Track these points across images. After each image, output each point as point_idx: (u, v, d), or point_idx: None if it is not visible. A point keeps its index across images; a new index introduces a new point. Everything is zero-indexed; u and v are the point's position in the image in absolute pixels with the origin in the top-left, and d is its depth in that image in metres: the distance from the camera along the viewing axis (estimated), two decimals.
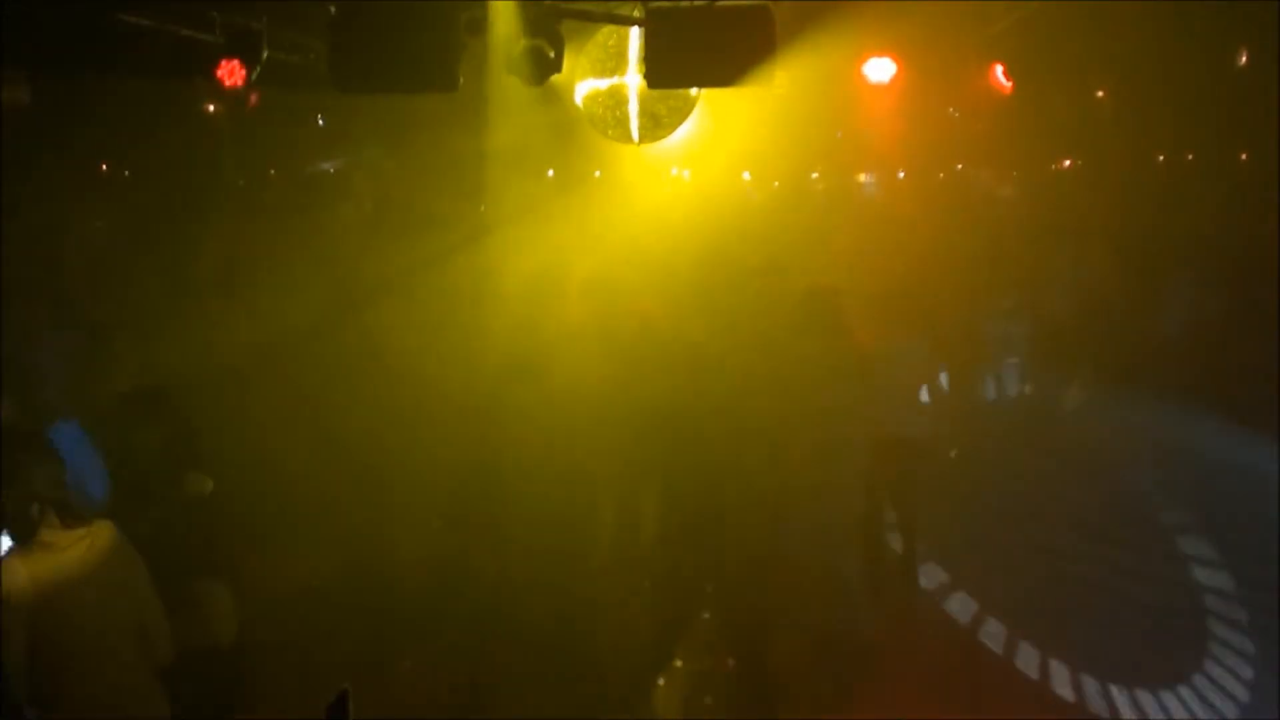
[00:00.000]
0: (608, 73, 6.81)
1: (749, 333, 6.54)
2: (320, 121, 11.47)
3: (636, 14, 5.89)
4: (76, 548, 3.50)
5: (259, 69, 6.61)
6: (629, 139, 6.95)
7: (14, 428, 3.76)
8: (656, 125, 6.87)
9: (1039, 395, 9.13)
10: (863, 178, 13.87)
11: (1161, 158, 11.43)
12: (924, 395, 6.67)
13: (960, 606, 6.58)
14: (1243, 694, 5.77)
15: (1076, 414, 8.85)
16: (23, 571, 3.40)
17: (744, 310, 6.85)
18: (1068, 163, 12.52)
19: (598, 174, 11.37)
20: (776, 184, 13.81)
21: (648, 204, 10.30)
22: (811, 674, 5.64)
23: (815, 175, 14.08)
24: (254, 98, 8.66)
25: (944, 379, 6.88)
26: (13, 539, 3.54)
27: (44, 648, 3.42)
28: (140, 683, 3.66)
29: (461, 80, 5.50)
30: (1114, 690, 5.76)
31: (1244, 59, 8.38)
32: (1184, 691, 5.83)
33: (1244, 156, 10.61)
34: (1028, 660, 6.07)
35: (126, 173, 10.93)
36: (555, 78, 5.80)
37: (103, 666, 3.53)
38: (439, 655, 5.70)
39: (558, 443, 5.94)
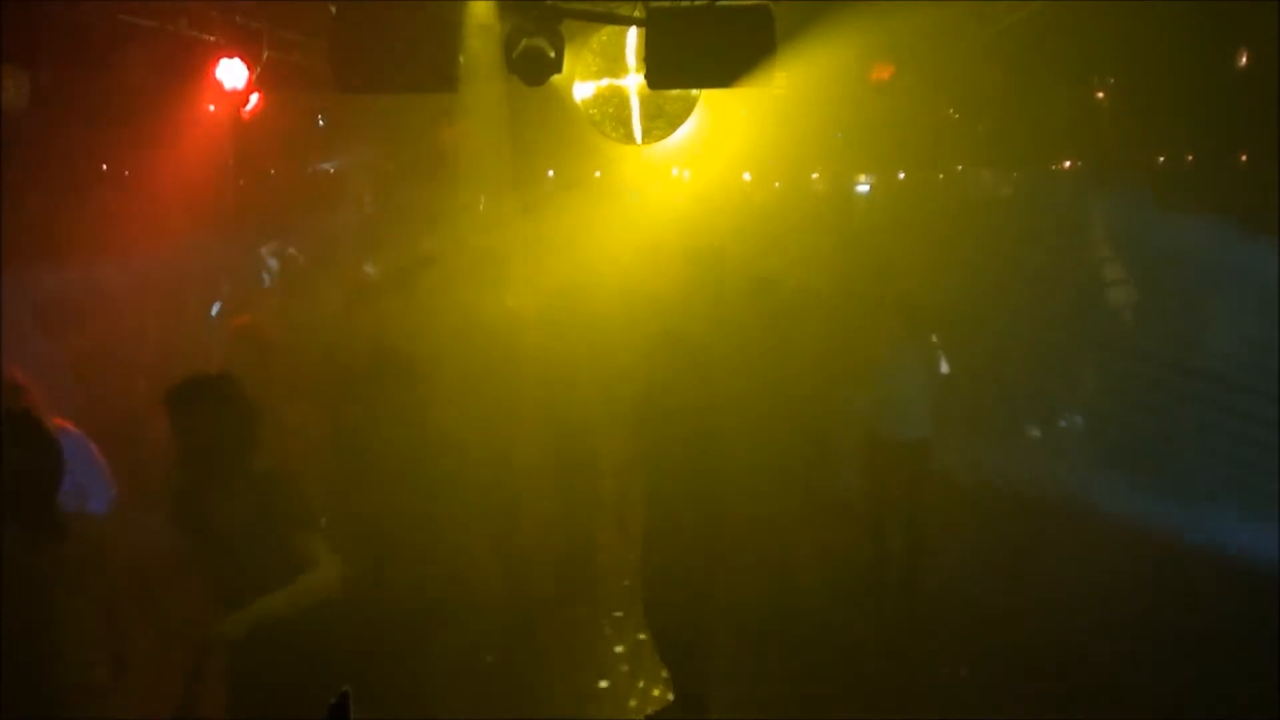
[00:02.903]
0: (609, 73, 6.82)
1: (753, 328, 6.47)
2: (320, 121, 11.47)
3: (637, 14, 5.89)
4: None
5: None
6: (631, 139, 6.96)
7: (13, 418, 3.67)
8: (658, 125, 6.88)
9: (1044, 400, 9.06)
10: (862, 177, 13.89)
11: (1162, 158, 11.42)
12: (926, 396, 6.55)
13: None
14: None
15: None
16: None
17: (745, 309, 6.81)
18: (1068, 163, 12.52)
19: (598, 174, 11.40)
20: (777, 184, 13.82)
21: (649, 203, 10.30)
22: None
23: (815, 175, 14.10)
24: None
25: (946, 379, 6.75)
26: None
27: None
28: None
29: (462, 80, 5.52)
30: None
31: (1244, 59, 8.37)
32: None
33: (1244, 157, 10.61)
34: None
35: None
36: (555, 78, 5.80)
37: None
38: None
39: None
